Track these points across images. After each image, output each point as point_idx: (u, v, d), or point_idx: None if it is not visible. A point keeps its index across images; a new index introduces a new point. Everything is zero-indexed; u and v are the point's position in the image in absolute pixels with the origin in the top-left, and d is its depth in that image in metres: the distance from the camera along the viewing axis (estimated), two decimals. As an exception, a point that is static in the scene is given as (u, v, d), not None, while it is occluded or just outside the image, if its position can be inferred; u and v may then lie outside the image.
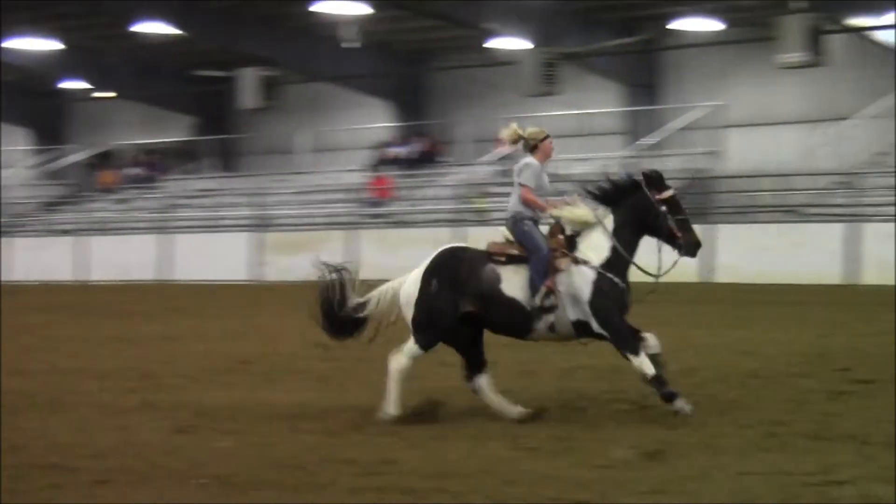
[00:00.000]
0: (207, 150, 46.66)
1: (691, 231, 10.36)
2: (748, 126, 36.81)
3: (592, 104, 38.88)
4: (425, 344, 10.41)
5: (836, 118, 34.35)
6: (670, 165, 36.04)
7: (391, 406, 10.30)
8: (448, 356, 10.88)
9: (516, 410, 10.32)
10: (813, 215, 30.94)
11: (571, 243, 10.35)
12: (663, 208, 10.32)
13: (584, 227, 10.38)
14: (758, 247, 29.27)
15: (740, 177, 34.10)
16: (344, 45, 39.12)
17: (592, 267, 10.19)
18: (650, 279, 10.40)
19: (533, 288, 10.21)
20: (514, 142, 10.74)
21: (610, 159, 37.08)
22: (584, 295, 10.14)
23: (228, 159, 47.54)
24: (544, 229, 10.57)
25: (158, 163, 46.49)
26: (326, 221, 38.10)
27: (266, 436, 9.81)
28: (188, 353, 16.02)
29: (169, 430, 10.08)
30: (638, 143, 37.83)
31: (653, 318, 17.25)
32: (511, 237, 10.53)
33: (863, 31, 34.96)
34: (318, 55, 41.26)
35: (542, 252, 10.29)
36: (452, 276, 10.36)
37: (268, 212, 39.11)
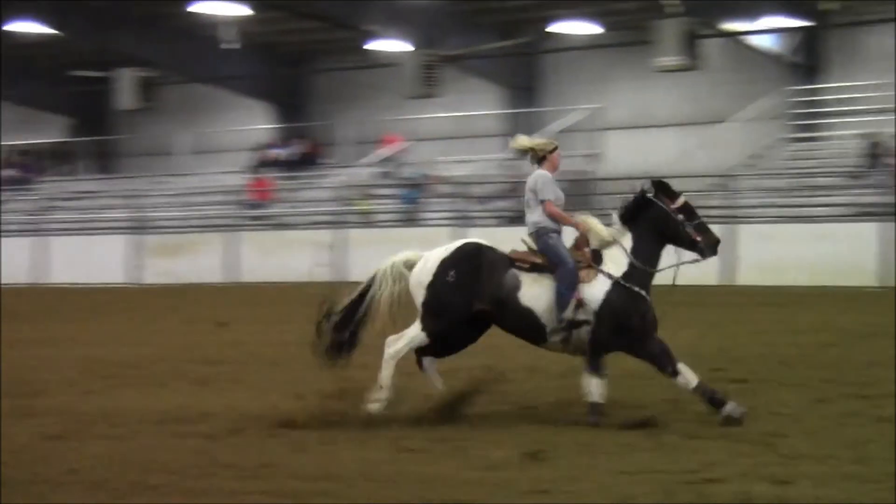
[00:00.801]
0: (84, 152, 45.98)
1: (709, 231, 10.47)
2: (626, 129, 37.24)
3: (473, 106, 39.04)
4: (432, 330, 10.30)
5: (712, 121, 34.88)
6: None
7: (384, 391, 10.20)
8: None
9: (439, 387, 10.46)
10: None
11: (597, 257, 10.36)
12: (680, 216, 10.42)
13: (604, 243, 10.40)
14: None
15: (618, 179, 34.44)
16: (223, 46, 38.82)
17: (610, 276, 10.21)
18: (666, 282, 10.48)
19: (561, 301, 10.18)
20: (524, 153, 10.77)
21: (490, 161, 37.28)
22: (594, 304, 10.17)
23: (106, 161, 46.89)
24: (567, 241, 10.55)
25: (33, 164, 45.69)
26: (206, 224, 37.75)
27: (145, 440, 9.69)
28: (64, 357, 15.76)
29: (43, 435, 9.91)
30: (517, 145, 37.99)
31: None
32: (534, 247, 10.47)
33: (737, 36, 35.55)
34: (196, 56, 40.90)
35: (569, 265, 10.26)
36: (473, 271, 10.29)
37: (146, 214, 38.65)
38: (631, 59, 36.12)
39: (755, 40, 35.43)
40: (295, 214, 37.74)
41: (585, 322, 10.16)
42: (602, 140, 36.23)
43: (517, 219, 34.42)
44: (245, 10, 37.81)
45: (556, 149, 10.74)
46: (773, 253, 27.90)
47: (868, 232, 27.26)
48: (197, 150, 42.70)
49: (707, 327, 18.43)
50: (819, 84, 34.77)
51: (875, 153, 30.72)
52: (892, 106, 31.42)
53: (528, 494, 7.74)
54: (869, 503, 7.48)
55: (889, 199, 28.28)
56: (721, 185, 31.49)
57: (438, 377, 10.59)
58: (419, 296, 10.38)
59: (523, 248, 10.53)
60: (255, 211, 38.30)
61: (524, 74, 39.85)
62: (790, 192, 31.01)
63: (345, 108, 42.10)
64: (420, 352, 10.56)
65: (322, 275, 31.53)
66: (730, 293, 25.97)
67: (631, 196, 10.58)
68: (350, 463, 8.68)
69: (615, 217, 10.50)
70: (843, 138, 32.86)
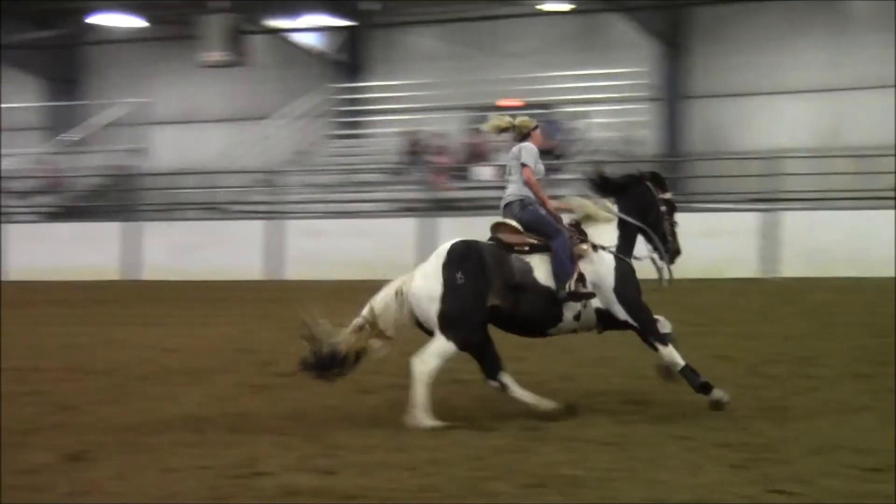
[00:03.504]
0: None
1: (676, 238, 10.34)
2: (173, 123, 36.97)
3: (11, 98, 37.72)
4: (462, 341, 9.63)
5: (259, 117, 35.13)
6: (94, 162, 35.67)
7: (422, 415, 9.45)
8: None
9: (546, 404, 9.86)
10: (236, 213, 31.49)
11: (579, 230, 10.06)
12: (664, 208, 10.28)
13: (598, 221, 10.12)
14: (183, 244, 29.43)
15: (164, 174, 34.15)
16: None
17: (612, 252, 9.96)
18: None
19: (562, 273, 9.76)
20: (502, 131, 10.33)
21: (30, 155, 36.16)
22: (608, 282, 9.86)
23: None
24: None
25: None
26: None
27: None
28: None
29: None
30: (59, 138, 37.10)
31: (81, 318, 16.95)
32: (514, 223, 10.00)
33: (281, 33, 35.96)
34: None
35: (564, 235, 9.91)
36: (479, 268, 9.71)
37: None
38: (177, 53, 35.92)
39: (300, 38, 35.95)
40: None
41: (589, 295, 9.85)
42: (147, 135, 35.85)
43: (58, 214, 33.60)
44: None
45: (537, 126, 10.51)
46: (318, 247, 28.33)
47: (407, 227, 28.09)
48: None
49: (255, 322, 18.52)
50: (361, 82, 35.67)
51: (414, 150, 31.82)
52: (431, 105, 32.65)
53: (69, 496, 7.55)
54: (407, 489, 7.72)
55: (427, 195, 29.34)
56: (267, 181, 31.77)
57: (526, 391, 9.94)
58: (432, 310, 9.70)
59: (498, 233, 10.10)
60: None
61: (65, 66, 38.91)
62: (334, 188, 31.62)
63: None
64: (485, 377, 9.97)
65: None
66: (277, 288, 26.20)
67: (625, 173, 10.42)
68: None
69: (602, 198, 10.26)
70: (385, 136, 33.82)
